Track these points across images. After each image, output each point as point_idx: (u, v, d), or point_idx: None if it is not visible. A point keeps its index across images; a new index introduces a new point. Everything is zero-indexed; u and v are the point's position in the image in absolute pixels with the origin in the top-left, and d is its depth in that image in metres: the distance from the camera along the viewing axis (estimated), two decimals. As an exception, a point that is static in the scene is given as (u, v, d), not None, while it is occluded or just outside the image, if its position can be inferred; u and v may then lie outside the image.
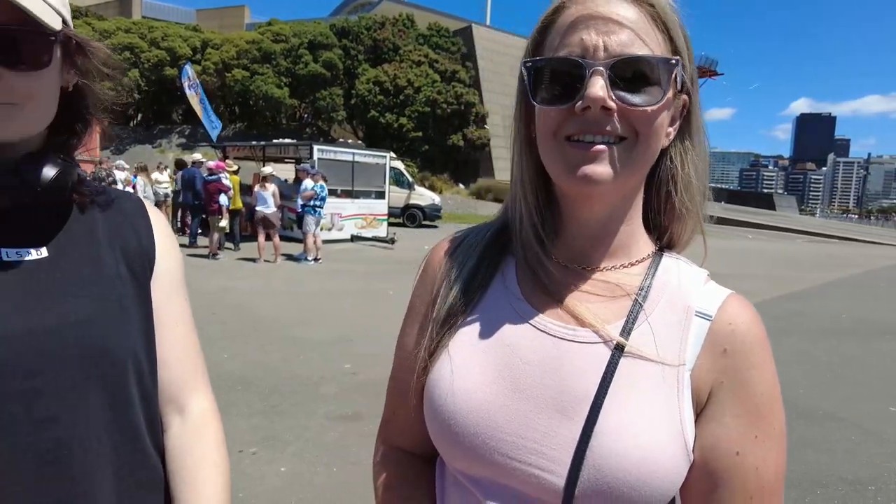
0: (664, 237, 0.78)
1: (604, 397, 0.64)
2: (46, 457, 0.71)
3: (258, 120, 35.22)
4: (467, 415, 0.68)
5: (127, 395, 0.79)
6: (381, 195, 16.27)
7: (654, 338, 0.67)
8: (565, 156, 0.66)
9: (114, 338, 0.78)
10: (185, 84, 17.90)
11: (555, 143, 0.67)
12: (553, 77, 0.67)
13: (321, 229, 11.74)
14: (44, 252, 0.76)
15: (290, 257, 11.46)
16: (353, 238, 15.16)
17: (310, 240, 11.13)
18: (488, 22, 55.07)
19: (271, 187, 10.99)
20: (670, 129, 0.70)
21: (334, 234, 14.63)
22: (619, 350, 0.67)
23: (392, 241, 14.50)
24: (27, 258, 0.75)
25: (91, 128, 0.85)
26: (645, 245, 0.76)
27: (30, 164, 0.74)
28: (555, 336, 0.69)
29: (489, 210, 29.46)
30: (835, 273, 13.97)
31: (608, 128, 0.64)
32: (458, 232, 0.85)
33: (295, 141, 17.92)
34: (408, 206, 20.60)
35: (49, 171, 0.75)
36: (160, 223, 0.93)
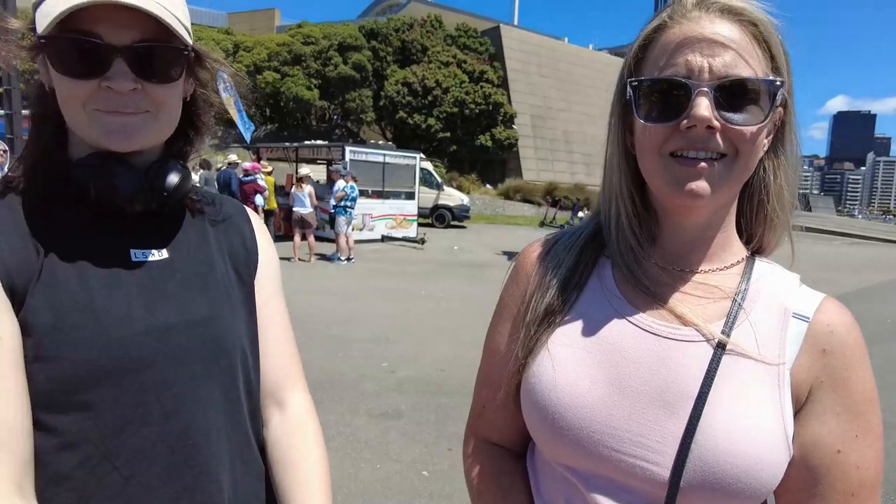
0: (754, 242, 0.80)
1: (708, 393, 0.67)
2: (175, 445, 0.76)
3: (288, 121, 35.71)
4: (572, 410, 0.71)
5: (237, 390, 0.84)
6: (410, 196, 16.38)
7: (755, 337, 0.70)
8: (670, 171, 0.69)
9: (227, 335, 0.83)
10: (221, 87, 18.18)
11: (659, 158, 0.70)
12: (659, 95, 0.70)
13: (352, 229, 11.88)
14: (164, 253, 0.81)
15: (322, 257, 11.62)
16: (384, 238, 15.30)
17: (342, 240, 11.29)
18: (516, 22, 55.00)
19: (307, 188, 11.20)
20: (765, 141, 0.73)
21: (365, 235, 14.78)
22: (721, 348, 0.69)
23: (422, 242, 14.59)
24: (150, 259, 0.80)
25: (202, 135, 0.91)
26: (738, 250, 0.79)
27: (157, 171, 0.80)
28: (658, 335, 0.73)
29: (518, 210, 29.39)
30: (878, 276, 13.58)
31: (711, 145, 0.67)
32: (548, 235, 0.89)
33: (327, 142, 18.14)
34: (437, 207, 20.67)
35: (174, 178, 0.80)
36: (261, 228, 0.99)
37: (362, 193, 13.39)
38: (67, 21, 0.67)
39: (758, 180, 0.76)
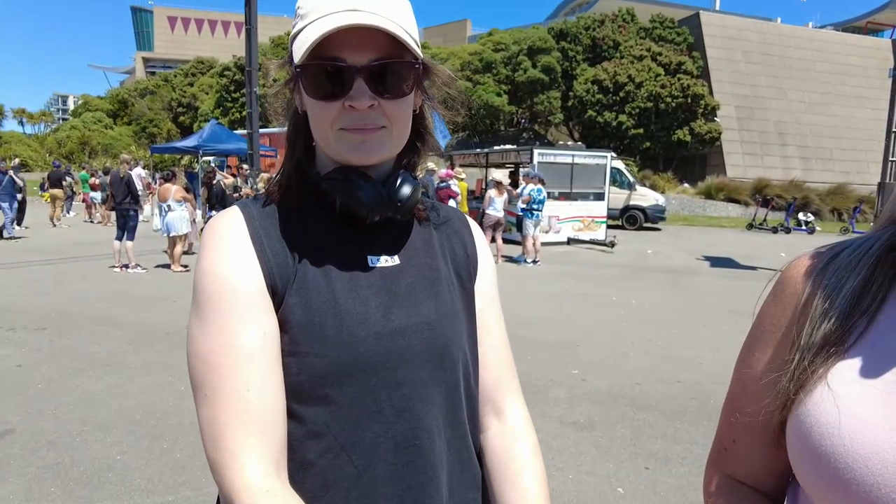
0: None
1: None
2: (402, 444, 0.78)
3: (478, 128, 36.90)
4: (865, 461, 0.59)
5: (458, 394, 0.85)
6: (599, 196, 15.83)
7: None
8: None
9: (451, 340, 0.84)
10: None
11: None
12: None
13: (539, 231, 11.87)
14: (396, 260, 0.85)
15: (509, 259, 11.77)
16: (570, 241, 15.01)
17: (529, 242, 11.34)
18: (717, 7, 50.00)
19: (506, 194, 11.61)
20: None
21: (551, 237, 14.65)
22: None
23: (612, 245, 14.03)
24: (384, 264, 0.84)
25: (429, 146, 0.93)
26: None
27: (393, 182, 0.84)
28: None
29: (720, 211, 26.84)
30: None
31: None
32: (822, 247, 0.75)
33: (515, 146, 18.34)
34: (628, 208, 19.70)
35: (407, 189, 0.84)
36: (480, 236, 1.00)
37: (548, 196, 13.30)
38: (315, 49, 0.74)
39: None
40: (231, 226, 0.78)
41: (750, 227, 20.71)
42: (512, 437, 0.92)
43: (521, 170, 15.38)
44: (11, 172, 13.71)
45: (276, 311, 0.76)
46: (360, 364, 0.76)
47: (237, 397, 0.70)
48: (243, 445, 0.69)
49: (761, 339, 0.74)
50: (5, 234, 13.13)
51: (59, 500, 2.92)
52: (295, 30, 0.78)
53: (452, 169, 14.22)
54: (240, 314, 0.73)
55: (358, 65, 0.75)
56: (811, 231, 20.08)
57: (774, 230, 19.77)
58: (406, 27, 0.77)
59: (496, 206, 11.62)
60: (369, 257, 0.84)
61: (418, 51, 0.79)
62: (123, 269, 9.52)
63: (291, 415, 0.75)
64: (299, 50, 0.75)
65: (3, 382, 4.52)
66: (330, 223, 0.83)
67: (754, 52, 39.01)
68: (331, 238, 0.83)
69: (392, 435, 0.78)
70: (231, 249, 0.76)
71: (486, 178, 17.36)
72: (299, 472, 0.75)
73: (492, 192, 11.79)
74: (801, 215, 21.14)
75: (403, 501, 0.78)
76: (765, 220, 20.70)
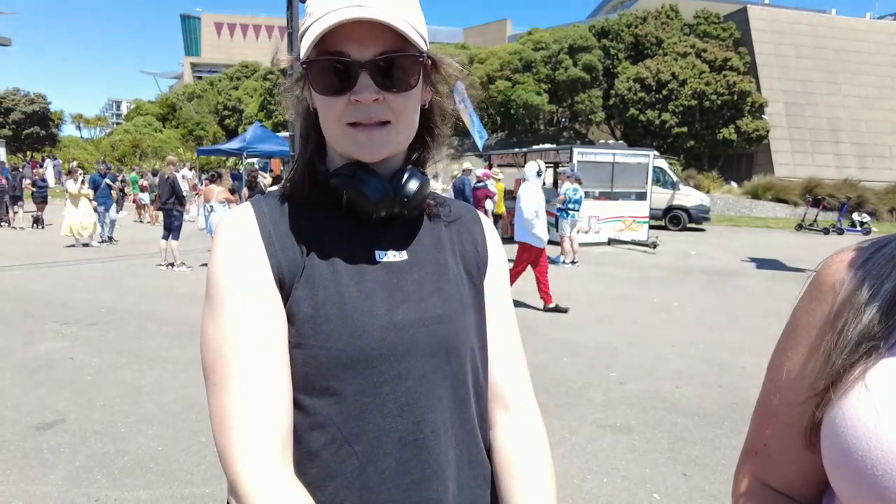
0: None
1: None
2: (407, 438, 0.78)
3: (517, 127, 36.68)
4: None
5: (465, 389, 0.85)
6: (641, 196, 15.49)
7: None
8: None
9: (459, 334, 0.84)
10: (457, 99, 19.47)
11: None
12: None
13: (577, 232, 11.70)
14: (404, 255, 0.86)
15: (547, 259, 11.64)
16: (611, 241, 14.76)
17: (566, 243, 11.20)
18: (766, 0, 48.17)
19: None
20: None
21: (591, 237, 14.43)
22: None
23: (654, 245, 13.72)
24: (392, 259, 0.85)
25: (440, 142, 0.92)
26: None
27: (400, 178, 0.84)
28: None
29: (768, 211, 25.96)
30: None
31: None
32: (862, 242, 0.71)
33: (555, 146, 18.15)
34: (671, 208, 19.21)
35: (414, 185, 0.84)
36: (491, 232, 0.99)
37: (588, 195, 13.10)
38: (321, 45, 0.75)
39: None
40: (241, 220, 0.80)
41: (799, 227, 19.94)
42: (520, 433, 0.91)
43: (558, 169, 15.21)
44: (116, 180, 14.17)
45: (284, 303, 0.77)
46: (363, 357, 0.77)
47: (243, 387, 0.72)
48: (248, 435, 0.70)
49: (795, 339, 0.70)
50: (102, 236, 13.48)
51: (104, 489, 3.03)
52: (302, 28, 0.80)
53: (490, 169, 14.19)
54: (247, 306, 0.74)
55: (362, 59, 0.76)
56: (867, 232, 19.14)
57: (826, 231, 18.95)
58: (411, 21, 0.77)
59: None
60: (377, 252, 0.84)
61: (423, 45, 0.79)
62: (169, 267, 9.84)
63: (298, 406, 0.77)
64: (305, 46, 0.76)
65: (57, 374, 4.74)
66: (338, 218, 0.84)
67: (806, 45, 37.60)
68: (339, 233, 0.84)
69: (396, 429, 0.78)
70: (240, 243, 0.78)
71: (524, 178, 17.23)
72: (305, 462, 0.77)
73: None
74: (855, 216, 20.20)
75: (407, 496, 0.78)
76: (815, 220, 19.88)
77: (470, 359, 0.86)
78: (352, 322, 0.77)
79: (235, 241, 0.78)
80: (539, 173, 7.74)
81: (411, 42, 0.76)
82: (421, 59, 0.79)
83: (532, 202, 7.18)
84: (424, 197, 0.88)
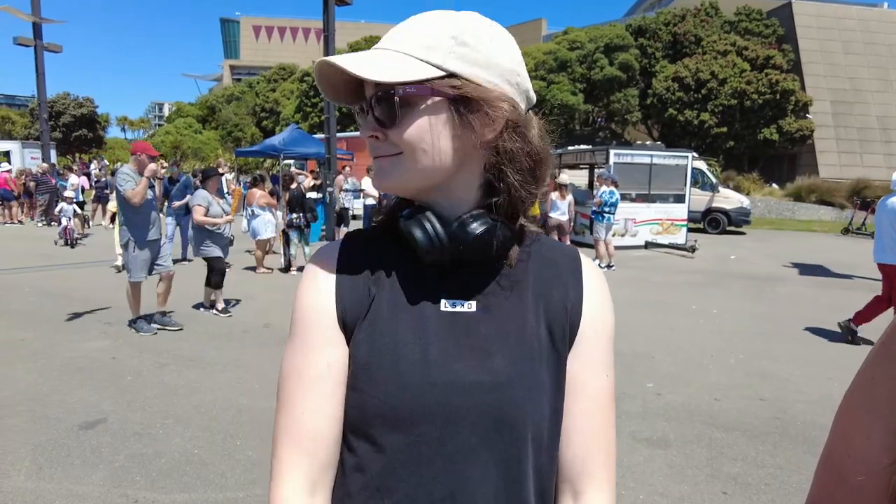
0: None
1: None
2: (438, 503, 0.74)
3: (552, 128, 36.32)
4: None
5: (521, 468, 0.77)
6: (680, 198, 15.15)
7: None
8: None
9: (521, 406, 0.76)
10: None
11: None
12: None
13: (613, 235, 11.50)
14: (473, 306, 0.79)
15: (583, 263, 11.47)
16: (647, 245, 14.47)
17: (601, 246, 11.01)
18: (814, -7, 46.58)
19: (569, 197, 11.31)
20: None
21: (627, 241, 14.19)
22: None
23: (692, 249, 13.39)
24: (457, 309, 0.78)
25: (517, 187, 0.78)
26: None
27: (462, 222, 0.77)
28: None
29: (812, 214, 25.09)
30: None
31: None
32: None
33: (590, 147, 17.88)
34: (710, 210, 18.74)
35: (476, 229, 0.76)
36: (595, 281, 0.87)
37: (624, 198, 12.87)
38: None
39: None
40: (323, 259, 0.84)
41: (846, 231, 19.21)
42: None
43: (595, 171, 14.98)
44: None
45: (348, 343, 0.78)
46: (406, 413, 0.74)
47: (294, 417, 0.77)
48: (288, 460, 0.76)
49: (871, 393, 0.62)
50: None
51: (142, 490, 3.10)
52: None
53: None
54: (311, 343, 0.78)
55: (363, 102, 0.79)
56: (918, 236, 18.34)
57: (874, 234, 18.22)
58: (412, 51, 0.74)
59: (559, 209, 11.42)
60: (443, 300, 0.79)
61: (421, 75, 0.72)
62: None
63: (347, 444, 0.78)
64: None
65: (100, 373, 4.87)
66: (411, 260, 0.80)
67: (855, 41, 36.28)
68: (407, 275, 0.80)
69: (430, 493, 0.74)
70: (315, 281, 0.82)
71: (556, 179, 17.04)
72: (345, 499, 0.77)
73: (554, 195, 11.51)
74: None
75: None
76: (863, 224, 19.09)
77: (534, 435, 0.76)
78: (399, 374, 0.74)
79: (312, 278, 0.82)
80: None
81: (396, 81, 0.72)
82: (403, 93, 0.72)
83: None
84: (488, 243, 0.77)
